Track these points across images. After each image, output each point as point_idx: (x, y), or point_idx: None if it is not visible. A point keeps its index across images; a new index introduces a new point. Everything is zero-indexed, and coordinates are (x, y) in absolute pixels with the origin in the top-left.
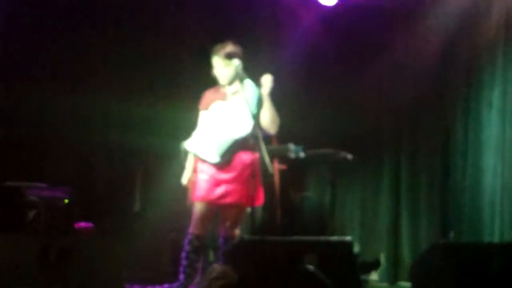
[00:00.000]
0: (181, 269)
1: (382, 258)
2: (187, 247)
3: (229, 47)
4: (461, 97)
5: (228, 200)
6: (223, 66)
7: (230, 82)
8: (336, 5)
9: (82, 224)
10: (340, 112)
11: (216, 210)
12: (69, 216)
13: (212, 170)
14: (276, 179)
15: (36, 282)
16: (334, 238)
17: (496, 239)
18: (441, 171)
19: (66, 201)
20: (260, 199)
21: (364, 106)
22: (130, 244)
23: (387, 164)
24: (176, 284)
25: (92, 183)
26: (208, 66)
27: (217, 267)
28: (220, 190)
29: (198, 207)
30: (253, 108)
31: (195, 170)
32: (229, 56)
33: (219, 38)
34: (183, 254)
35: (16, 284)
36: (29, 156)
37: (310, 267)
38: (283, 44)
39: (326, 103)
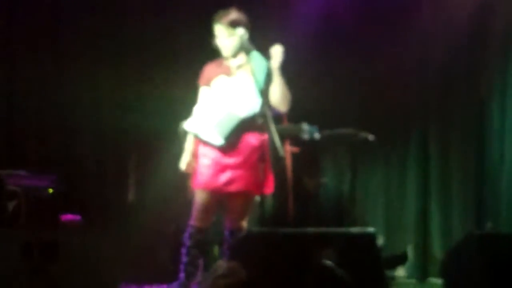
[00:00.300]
0: (181, 266)
1: (410, 251)
2: (187, 242)
3: (233, 14)
4: (497, 72)
5: (234, 187)
6: (227, 36)
7: (235, 54)
8: None
9: (69, 217)
10: (360, 87)
11: (220, 199)
12: (54, 207)
13: (215, 154)
14: (288, 163)
15: (17, 283)
16: (355, 229)
17: None
18: (476, 153)
19: (51, 190)
20: (270, 187)
21: (388, 81)
22: (124, 239)
23: (414, 146)
24: (175, 284)
25: (79, 170)
26: (209, 35)
27: (222, 264)
28: (225, 176)
29: (199, 196)
30: (261, 84)
31: (195, 154)
32: (233, 25)
33: (221, 4)
34: (183, 250)
35: None
36: (8, 140)
37: (328, 263)
38: (294, 10)
39: (344, 77)
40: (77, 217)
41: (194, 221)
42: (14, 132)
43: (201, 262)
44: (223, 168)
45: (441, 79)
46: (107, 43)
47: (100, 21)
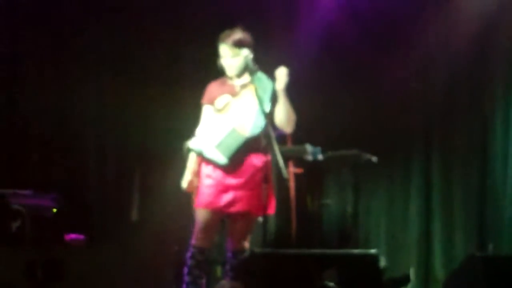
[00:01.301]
0: (184, 286)
1: (412, 273)
2: (189, 262)
3: (238, 34)
4: (501, 90)
5: (237, 208)
6: (231, 56)
7: (239, 74)
8: None
9: (73, 236)
10: (363, 108)
11: (222, 219)
12: (58, 226)
13: (218, 174)
14: (292, 184)
15: None
16: (357, 251)
17: None
18: (478, 174)
19: (54, 210)
20: (272, 208)
21: (390, 102)
22: (127, 258)
23: (417, 167)
24: None
25: (83, 189)
26: (214, 54)
27: (225, 284)
28: (228, 197)
29: (201, 215)
30: (266, 104)
31: (197, 173)
32: (238, 44)
33: (226, 24)
34: (185, 270)
35: None
36: (13, 160)
37: (330, 284)
38: (298, 33)
39: (348, 98)
40: (80, 236)
41: (195, 240)
42: (17, 151)
43: (203, 282)
44: (225, 189)
45: (444, 98)
46: (112, 60)
47: (105, 38)
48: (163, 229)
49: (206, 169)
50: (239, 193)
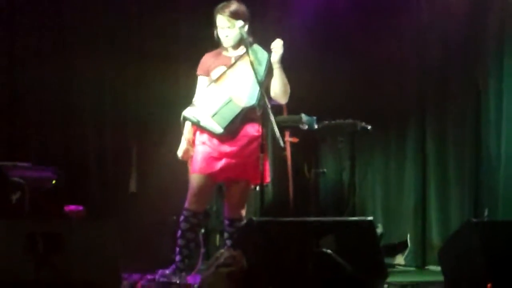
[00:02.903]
0: (176, 249)
1: (409, 239)
2: (182, 225)
3: (235, 5)
4: (494, 62)
5: (231, 175)
6: (228, 27)
7: (235, 46)
8: None
9: (72, 207)
10: (358, 78)
11: (215, 185)
12: (57, 198)
13: (213, 142)
14: (288, 153)
15: (23, 272)
16: (354, 218)
17: None
18: (472, 142)
19: (54, 181)
20: (266, 177)
21: (385, 72)
22: (127, 229)
23: (412, 135)
24: (171, 268)
25: (81, 161)
26: (210, 26)
27: (224, 253)
28: (221, 163)
29: (195, 180)
30: (261, 75)
31: (193, 143)
32: (235, 15)
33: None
34: (179, 233)
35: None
36: (11, 132)
37: (328, 251)
38: (294, 5)
39: (342, 68)
40: (80, 208)
41: (188, 204)
42: (16, 125)
43: (198, 244)
44: (220, 156)
45: (438, 70)
46: (109, 34)
47: (101, 11)
48: (160, 200)
49: (201, 137)
50: (233, 161)
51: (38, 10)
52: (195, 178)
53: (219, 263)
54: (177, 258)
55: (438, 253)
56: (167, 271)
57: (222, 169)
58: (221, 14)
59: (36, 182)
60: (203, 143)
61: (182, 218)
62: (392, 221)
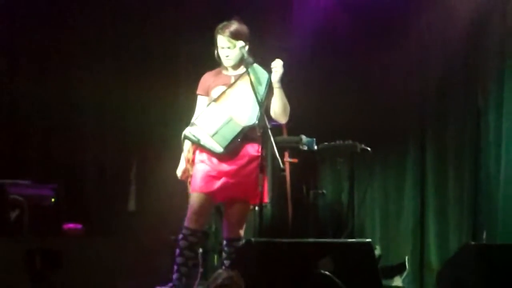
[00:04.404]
0: (175, 267)
1: (407, 261)
2: (181, 243)
3: (235, 25)
4: (494, 80)
5: (229, 194)
6: (229, 47)
7: (236, 66)
8: None
9: (71, 225)
10: (358, 99)
11: (214, 204)
12: (56, 216)
13: (213, 160)
14: (287, 174)
15: None
16: (352, 239)
17: None
18: (471, 163)
19: (53, 199)
20: (265, 197)
21: (385, 93)
22: (125, 248)
23: (411, 156)
24: (168, 286)
25: (81, 179)
26: (210, 47)
27: (222, 273)
28: (220, 182)
29: (194, 198)
30: (262, 95)
31: (192, 162)
32: (236, 36)
33: (222, 17)
34: (177, 252)
35: None
36: (11, 149)
37: (326, 272)
38: (294, 24)
39: (342, 89)
40: (78, 226)
41: (188, 223)
42: (16, 141)
43: (196, 264)
44: (219, 175)
45: (438, 90)
46: (110, 50)
47: (103, 29)
48: (159, 219)
49: (201, 156)
50: (232, 180)
51: (40, 21)
52: (194, 197)
53: (217, 283)
54: (175, 276)
55: (437, 275)
56: None
57: (221, 188)
58: (221, 34)
59: (35, 200)
60: (203, 161)
61: (180, 236)
62: (390, 242)
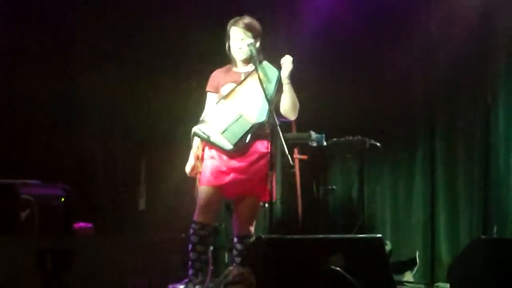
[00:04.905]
0: (189, 263)
1: (417, 256)
2: (192, 238)
3: (248, 18)
4: (503, 77)
5: (239, 191)
6: (242, 39)
7: (246, 61)
8: None
9: (81, 225)
10: (367, 95)
11: (223, 199)
12: (67, 216)
13: (222, 157)
14: (297, 170)
15: None
16: (363, 235)
17: None
18: (482, 158)
19: (63, 199)
20: (275, 194)
21: (394, 88)
22: (136, 247)
23: (421, 152)
24: (183, 282)
25: (91, 178)
26: (219, 44)
27: (233, 270)
28: (229, 178)
29: (202, 192)
30: (271, 92)
31: (201, 159)
32: (250, 28)
33: (231, 15)
34: (189, 247)
35: None
36: (21, 150)
37: (336, 268)
38: (302, 22)
39: (352, 85)
40: (89, 225)
41: (196, 217)
42: (25, 142)
43: (210, 267)
44: (228, 170)
45: (447, 86)
46: (118, 48)
47: (111, 28)
48: (169, 217)
49: (210, 152)
50: (242, 177)
51: (44, 22)
52: (203, 190)
53: (228, 280)
54: (190, 272)
55: (447, 270)
56: (179, 286)
57: (230, 184)
58: (235, 26)
59: (45, 199)
60: (212, 157)
61: (191, 231)
62: (401, 237)
